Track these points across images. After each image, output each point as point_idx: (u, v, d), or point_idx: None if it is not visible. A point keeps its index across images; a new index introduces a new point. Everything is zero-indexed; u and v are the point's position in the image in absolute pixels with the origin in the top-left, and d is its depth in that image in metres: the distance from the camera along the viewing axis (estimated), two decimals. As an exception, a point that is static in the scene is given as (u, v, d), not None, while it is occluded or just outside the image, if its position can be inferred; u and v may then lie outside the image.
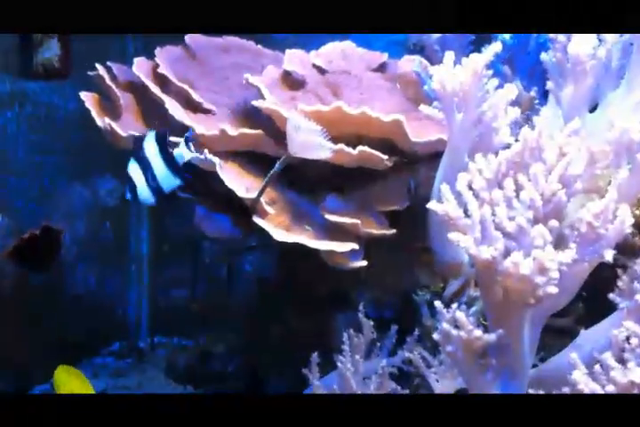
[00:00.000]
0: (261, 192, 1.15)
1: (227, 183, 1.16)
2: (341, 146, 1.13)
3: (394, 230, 1.21)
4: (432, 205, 0.97)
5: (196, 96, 1.35)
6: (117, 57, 1.53)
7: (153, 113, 1.37)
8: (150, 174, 1.13)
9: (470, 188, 0.96)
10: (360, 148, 1.15)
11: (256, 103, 1.25)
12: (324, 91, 1.41)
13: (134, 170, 1.13)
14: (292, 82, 1.41)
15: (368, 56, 1.49)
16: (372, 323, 1.17)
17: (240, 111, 1.40)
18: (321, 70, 1.44)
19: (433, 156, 1.25)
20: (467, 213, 0.94)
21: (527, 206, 0.90)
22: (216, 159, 1.19)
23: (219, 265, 1.81)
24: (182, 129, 1.29)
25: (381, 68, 1.48)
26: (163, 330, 1.91)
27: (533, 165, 0.93)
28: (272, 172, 1.14)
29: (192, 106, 1.36)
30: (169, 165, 1.13)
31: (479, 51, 1.31)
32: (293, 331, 1.37)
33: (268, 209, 1.17)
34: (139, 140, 1.14)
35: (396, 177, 1.24)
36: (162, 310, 1.93)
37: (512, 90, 1.09)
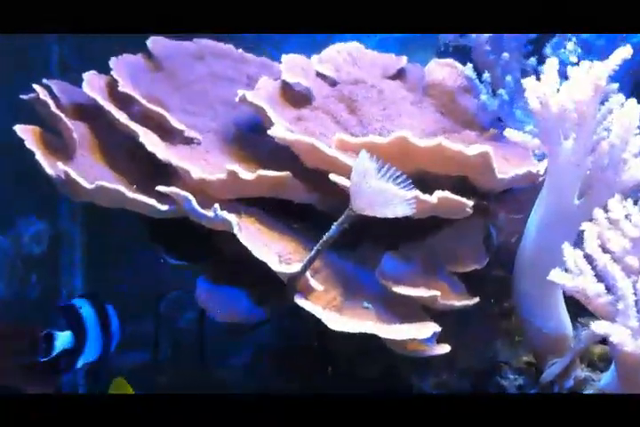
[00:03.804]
0: (308, 265, 0.80)
1: (254, 253, 0.81)
2: (417, 193, 0.80)
3: (477, 299, 0.90)
4: (557, 277, 0.72)
5: (175, 123, 1.00)
6: (37, 68, 1.27)
7: (116, 145, 1.00)
8: None
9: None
10: (440, 193, 0.82)
11: (275, 135, 0.90)
12: (338, 107, 1.09)
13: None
14: (294, 97, 1.09)
15: (382, 60, 1.18)
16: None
17: (231, 138, 1.06)
18: (329, 80, 1.11)
19: (513, 194, 0.95)
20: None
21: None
22: (232, 218, 0.83)
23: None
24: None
25: (400, 74, 1.16)
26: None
27: None
28: (327, 237, 0.79)
29: (166, 133, 1.00)
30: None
31: (542, 52, 1.05)
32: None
33: (315, 285, 0.82)
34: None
35: (469, 225, 0.92)
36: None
37: (637, 106, 0.81)
